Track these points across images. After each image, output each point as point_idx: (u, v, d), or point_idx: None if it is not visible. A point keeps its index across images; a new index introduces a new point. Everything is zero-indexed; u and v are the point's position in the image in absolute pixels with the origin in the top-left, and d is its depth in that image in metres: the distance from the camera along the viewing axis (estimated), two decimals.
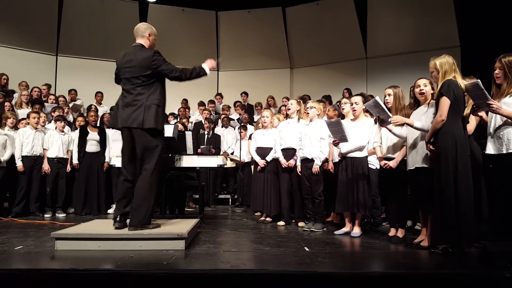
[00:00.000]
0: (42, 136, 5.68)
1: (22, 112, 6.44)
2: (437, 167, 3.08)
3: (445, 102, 3.01)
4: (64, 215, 5.59)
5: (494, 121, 3.15)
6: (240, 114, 7.80)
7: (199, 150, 6.57)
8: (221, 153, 7.04)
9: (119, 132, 6.09)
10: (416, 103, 3.53)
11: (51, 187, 5.61)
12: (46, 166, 5.62)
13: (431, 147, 3.15)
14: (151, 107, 3.29)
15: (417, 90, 3.44)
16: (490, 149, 3.16)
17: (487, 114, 3.32)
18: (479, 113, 3.32)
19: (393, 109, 3.66)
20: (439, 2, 8.22)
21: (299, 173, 4.57)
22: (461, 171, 2.96)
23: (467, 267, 2.78)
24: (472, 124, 3.51)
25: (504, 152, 3.04)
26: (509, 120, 3.03)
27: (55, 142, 5.70)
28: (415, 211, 3.79)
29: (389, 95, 3.71)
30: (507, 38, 6.21)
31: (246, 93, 9.11)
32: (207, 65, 3.56)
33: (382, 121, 3.55)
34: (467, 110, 3.44)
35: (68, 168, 5.77)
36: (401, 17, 8.77)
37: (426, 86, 3.40)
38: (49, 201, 5.60)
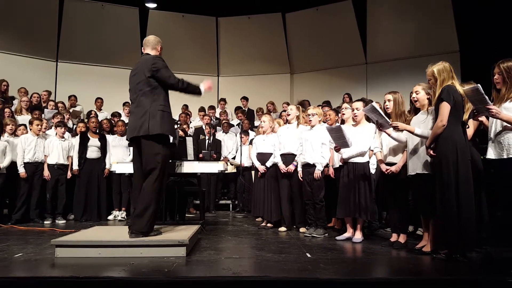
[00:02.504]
0: (44, 142, 5.68)
1: (22, 118, 6.43)
2: (438, 172, 3.08)
3: (446, 107, 3.02)
4: (64, 221, 5.57)
5: (495, 126, 3.16)
6: (240, 120, 7.80)
7: (200, 155, 6.56)
8: (222, 158, 7.03)
9: (120, 138, 6.10)
10: (415, 109, 3.55)
11: (51, 194, 5.59)
12: (46, 173, 5.60)
13: (431, 152, 3.15)
14: (156, 113, 3.31)
15: (411, 97, 3.49)
16: (491, 154, 3.17)
17: (488, 119, 3.32)
18: (479, 118, 3.33)
19: (393, 115, 3.66)
20: (439, 8, 8.26)
21: (301, 179, 4.56)
22: (462, 176, 2.96)
23: (470, 272, 2.76)
24: (470, 129, 3.51)
25: (505, 157, 3.05)
26: (509, 125, 3.04)
27: (55, 148, 5.69)
28: (417, 216, 3.78)
29: (389, 100, 3.72)
30: (506, 43, 6.23)
31: (246, 98, 9.12)
32: (203, 85, 3.66)
33: (380, 125, 3.56)
34: (465, 115, 3.45)
35: (69, 175, 5.76)
36: (400, 22, 8.81)
37: (418, 93, 3.43)
38: (49, 207, 5.58)
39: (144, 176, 3.37)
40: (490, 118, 3.21)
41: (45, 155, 5.66)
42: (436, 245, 3.19)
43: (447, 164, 2.99)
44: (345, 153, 4.08)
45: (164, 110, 3.38)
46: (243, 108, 8.90)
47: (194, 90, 3.61)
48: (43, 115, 6.66)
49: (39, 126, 5.63)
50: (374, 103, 3.52)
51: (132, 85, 3.46)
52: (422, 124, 3.36)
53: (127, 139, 3.54)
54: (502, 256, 2.59)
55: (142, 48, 3.63)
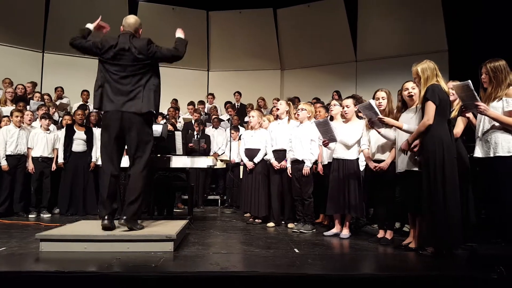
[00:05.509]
0: (26, 134, 5.56)
1: (7, 110, 6.29)
2: (425, 170, 3.10)
3: (431, 107, 3.04)
4: (49, 215, 5.48)
5: (483, 125, 3.20)
6: (230, 115, 7.77)
7: (190, 145, 6.51)
8: (211, 153, 6.99)
9: None
10: (404, 106, 3.56)
11: (35, 187, 5.49)
12: (30, 166, 5.50)
13: (415, 150, 3.18)
14: (150, 93, 3.30)
15: (405, 93, 3.47)
16: (478, 152, 3.21)
17: (475, 117, 3.37)
18: (466, 114, 3.37)
19: (387, 112, 3.68)
20: (428, 7, 8.34)
21: (290, 175, 4.56)
22: (448, 173, 2.99)
23: (455, 269, 2.80)
24: (460, 127, 3.55)
25: (492, 155, 3.09)
26: (496, 123, 3.08)
27: (40, 141, 5.58)
28: (403, 213, 3.81)
29: (383, 98, 3.73)
30: (494, 42, 6.32)
31: (239, 93, 9.07)
32: (179, 33, 3.58)
33: (372, 123, 3.57)
34: (454, 113, 3.49)
35: (53, 167, 5.66)
36: (390, 21, 8.87)
37: (414, 89, 3.43)
38: (33, 201, 5.48)
39: (121, 157, 3.37)
40: (478, 116, 3.25)
41: (29, 148, 5.55)
42: (422, 241, 3.23)
43: (433, 162, 3.02)
44: (332, 145, 4.11)
45: (156, 90, 3.37)
46: (235, 103, 8.87)
47: (185, 44, 3.54)
48: (28, 106, 6.53)
49: (18, 118, 5.49)
50: (371, 101, 3.52)
51: (121, 62, 3.30)
52: (411, 121, 3.37)
53: (104, 109, 3.32)
54: (487, 252, 2.62)
55: (121, 28, 3.48)
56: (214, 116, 7.75)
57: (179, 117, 7.90)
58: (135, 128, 3.28)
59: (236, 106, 8.72)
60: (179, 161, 4.50)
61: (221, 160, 6.98)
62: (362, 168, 4.30)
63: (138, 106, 3.25)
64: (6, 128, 5.45)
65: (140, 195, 3.27)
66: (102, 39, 3.45)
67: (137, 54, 3.29)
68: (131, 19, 3.52)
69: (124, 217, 3.20)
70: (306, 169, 4.35)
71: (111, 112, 3.29)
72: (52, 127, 5.89)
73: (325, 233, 4.12)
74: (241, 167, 5.80)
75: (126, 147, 3.45)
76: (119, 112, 3.26)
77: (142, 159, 3.30)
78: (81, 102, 7.83)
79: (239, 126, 7.19)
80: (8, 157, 5.37)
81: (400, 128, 3.36)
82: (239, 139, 6.40)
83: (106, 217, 3.24)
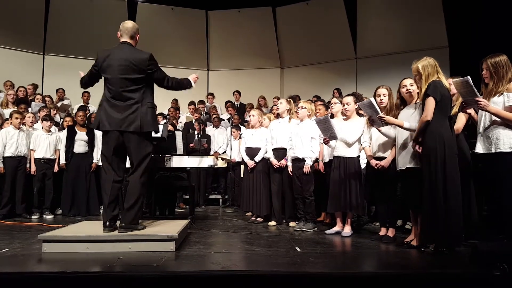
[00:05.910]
0: (27, 136, 5.57)
1: (8, 112, 6.31)
2: (426, 167, 3.10)
3: (431, 103, 3.03)
4: (51, 216, 5.49)
5: (484, 120, 3.19)
6: (231, 114, 7.77)
7: (191, 145, 6.52)
8: (212, 153, 7.00)
9: None
10: (402, 103, 3.55)
11: (38, 188, 5.51)
12: (33, 168, 5.51)
13: (417, 147, 3.17)
14: (147, 111, 3.31)
15: (403, 90, 3.46)
16: (480, 148, 3.20)
17: (476, 112, 3.36)
18: (467, 110, 3.36)
19: (388, 109, 3.67)
20: (428, 3, 8.32)
21: (290, 173, 4.56)
22: (449, 170, 2.99)
23: (457, 266, 2.79)
24: (461, 122, 3.54)
25: (493, 151, 3.08)
26: (497, 119, 3.08)
27: (42, 142, 5.60)
28: (405, 210, 3.81)
29: (384, 95, 3.72)
30: (495, 38, 6.30)
31: (238, 92, 9.07)
32: (191, 78, 3.65)
33: (373, 121, 3.56)
34: (455, 109, 3.48)
35: (56, 168, 5.67)
36: (390, 17, 8.85)
37: (412, 85, 3.42)
38: (36, 202, 5.50)
39: (124, 164, 3.40)
40: (479, 112, 3.24)
41: (31, 150, 5.56)
42: (424, 239, 3.23)
43: (434, 159, 3.01)
44: (332, 142, 4.11)
45: (153, 107, 3.41)
46: (234, 102, 8.87)
47: (185, 85, 3.61)
48: (29, 108, 6.55)
49: (18, 119, 5.50)
50: (372, 99, 3.51)
51: (117, 75, 3.27)
52: (410, 117, 3.36)
53: (102, 130, 3.35)
54: (489, 249, 2.62)
55: (118, 34, 3.42)
56: (214, 116, 7.75)
57: (179, 117, 7.91)
58: (134, 144, 3.30)
59: (236, 105, 8.72)
60: (179, 161, 4.51)
61: (222, 159, 6.97)
62: (363, 165, 4.30)
63: (136, 124, 3.25)
64: (5, 130, 5.46)
65: (138, 200, 3.30)
66: (97, 56, 3.42)
67: (134, 64, 3.26)
68: (128, 23, 3.47)
69: (123, 224, 3.23)
70: (306, 167, 4.35)
71: (110, 132, 3.31)
72: (53, 128, 5.91)
73: (327, 232, 4.12)
74: (242, 166, 5.80)
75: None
76: (117, 131, 3.28)
77: (141, 166, 3.33)
78: (82, 103, 7.84)
79: (240, 125, 7.19)
80: (9, 159, 5.38)
81: (401, 126, 3.35)
82: (240, 138, 6.41)
83: (107, 223, 3.25)
